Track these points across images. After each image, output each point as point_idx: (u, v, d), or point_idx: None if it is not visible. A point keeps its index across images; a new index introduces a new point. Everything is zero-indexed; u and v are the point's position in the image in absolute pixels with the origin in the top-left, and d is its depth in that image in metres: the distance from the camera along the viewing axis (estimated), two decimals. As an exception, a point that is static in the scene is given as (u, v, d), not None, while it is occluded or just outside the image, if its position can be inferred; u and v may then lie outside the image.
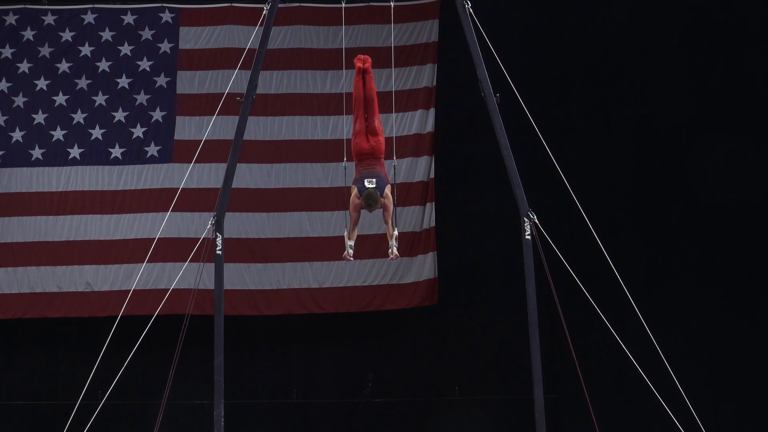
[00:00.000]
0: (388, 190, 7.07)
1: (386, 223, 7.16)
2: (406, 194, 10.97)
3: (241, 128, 7.20)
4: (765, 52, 11.07)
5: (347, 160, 7.49)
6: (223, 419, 6.85)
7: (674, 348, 7.73)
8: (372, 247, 10.62)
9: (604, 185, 11.01)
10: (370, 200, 6.95)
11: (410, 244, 10.92)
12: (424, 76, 11.22)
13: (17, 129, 11.16)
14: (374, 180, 7.00)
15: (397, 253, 7.12)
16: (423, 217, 11.03)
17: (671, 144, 11.21)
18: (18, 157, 11.11)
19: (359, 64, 7.34)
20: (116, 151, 11.16)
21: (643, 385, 7.38)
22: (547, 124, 7.77)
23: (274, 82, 11.24)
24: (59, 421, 10.00)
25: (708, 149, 10.93)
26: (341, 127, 10.89)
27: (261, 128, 11.17)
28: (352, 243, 7.08)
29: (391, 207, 7.08)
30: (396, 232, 7.12)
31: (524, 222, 7.00)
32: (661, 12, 11.23)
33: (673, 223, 11.10)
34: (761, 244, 10.87)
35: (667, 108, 11.25)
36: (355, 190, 7.06)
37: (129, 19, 11.35)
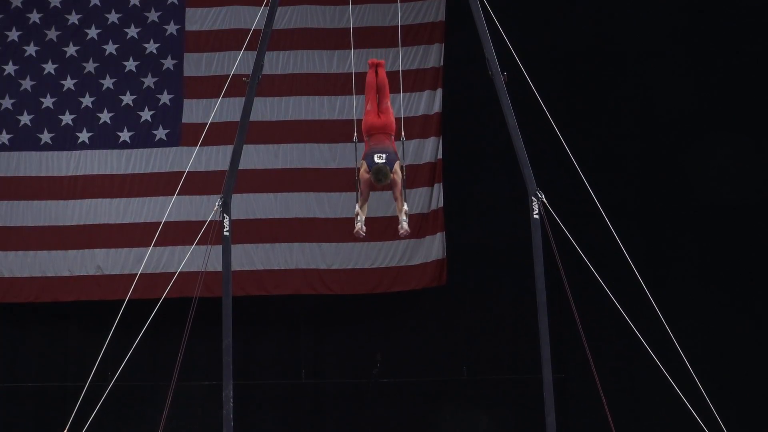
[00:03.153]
0: (397, 165, 7.01)
1: (396, 199, 7.09)
2: (413, 176, 10.93)
3: (247, 109, 7.18)
4: (765, 52, 10.99)
5: (358, 140, 7.45)
6: (232, 400, 6.88)
7: (680, 330, 7.71)
8: (380, 229, 10.60)
9: (608, 169, 10.96)
10: (380, 175, 6.88)
11: (418, 226, 10.90)
12: (432, 56, 11.17)
13: (25, 112, 11.19)
14: (384, 155, 6.95)
15: (407, 228, 7.00)
16: (431, 198, 11.02)
17: (671, 143, 11.17)
18: (27, 141, 11.14)
19: (373, 60, 7.45)
20: (124, 135, 11.17)
21: (652, 364, 7.39)
22: (554, 104, 7.73)
23: (280, 63, 11.21)
24: (69, 402, 10.08)
25: (708, 149, 10.89)
26: (348, 106, 10.86)
27: (268, 109, 11.15)
28: (362, 218, 7.00)
29: (400, 182, 7.00)
30: (406, 207, 7.02)
31: (532, 202, 6.98)
32: (662, 12, 11.16)
33: (672, 219, 11.08)
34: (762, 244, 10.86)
35: (667, 107, 11.19)
36: (364, 165, 7.00)
37: (135, 0, 11.33)
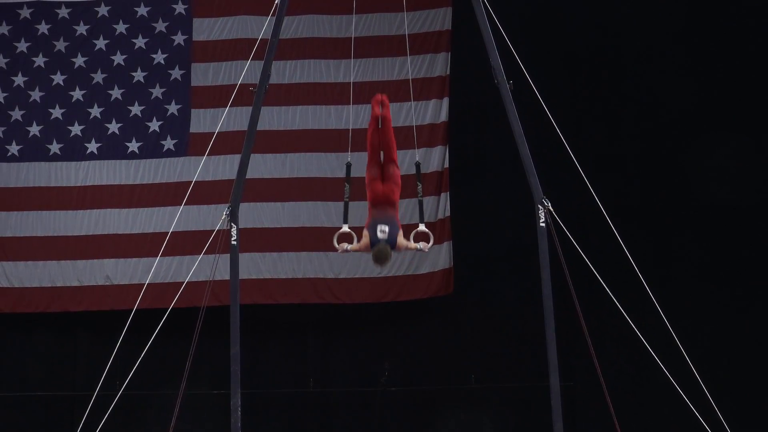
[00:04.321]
0: (400, 236, 6.87)
1: (407, 248, 6.94)
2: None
3: (254, 119, 7.21)
4: (765, 52, 10.97)
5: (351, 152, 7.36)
6: (239, 409, 6.89)
7: (680, 330, 7.71)
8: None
9: (608, 170, 10.96)
10: (380, 257, 6.79)
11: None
12: (438, 64, 11.19)
13: (34, 123, 11.26)
14: (386, 229, 6.80)
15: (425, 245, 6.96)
16: (438, 206, 11.03)
17: (672, 143, 11.16)
18: (36, 152, 11.20)
19: (376, 111, 6.97)
20: (133, 145, 11.22)
21: (659, 372, 7.37)
22: (556, 108, 7.73)
23: (287, 72, 11.25)
24: (78, 410, 10.11)
25: (708, 149, 10.88)
26: (355, 116, 10.91)
27: (275, 118, 11.18)
28: (348, 246, 6.89)
29: (404, 247, 6.90)
30: (417, 245, 6.92)
31: (539, 210, 6.99)
32: (662, 12, 11.17)
33: (673, 219, 11.05)
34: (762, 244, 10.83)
35: (667, 107, 11.19)
36: (367, 238, 6.86)
37: (142, 11, 11.40)
